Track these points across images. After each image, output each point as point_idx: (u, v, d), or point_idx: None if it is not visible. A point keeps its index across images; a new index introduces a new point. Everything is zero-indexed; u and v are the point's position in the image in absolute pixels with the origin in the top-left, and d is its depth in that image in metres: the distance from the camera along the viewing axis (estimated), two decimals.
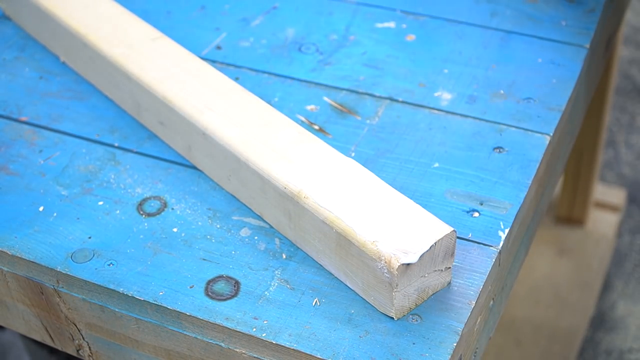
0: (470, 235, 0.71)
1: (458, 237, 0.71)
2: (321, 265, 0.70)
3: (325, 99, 0.86)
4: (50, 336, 0.78)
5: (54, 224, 0.75)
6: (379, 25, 0.95)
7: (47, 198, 0.77)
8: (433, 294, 0.67)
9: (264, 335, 0.65)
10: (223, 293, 0.68)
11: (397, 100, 0.85)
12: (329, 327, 0.65)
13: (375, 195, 0.68)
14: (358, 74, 0.88)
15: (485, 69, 0.88)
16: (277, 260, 0.71)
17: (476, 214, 0.73)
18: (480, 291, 0.67)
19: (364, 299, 0.67)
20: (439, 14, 0.96)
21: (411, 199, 0.72)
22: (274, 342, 0.65)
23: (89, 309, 0.72)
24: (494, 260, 0.69)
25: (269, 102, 0.85)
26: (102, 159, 0.81)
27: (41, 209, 0.76)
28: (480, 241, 0.71)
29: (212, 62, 0.91)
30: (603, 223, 1.61)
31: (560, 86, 0.85)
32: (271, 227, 0.74)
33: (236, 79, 0.88)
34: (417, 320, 0.66)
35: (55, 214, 0.76)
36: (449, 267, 0.67)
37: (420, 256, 0.63)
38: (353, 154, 0.79)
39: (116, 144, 0.83)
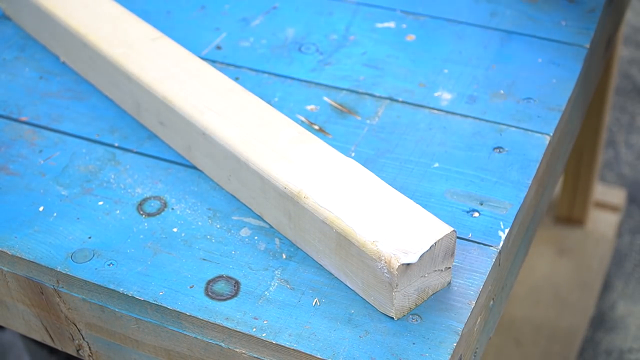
0: (470, 235, 0.71)
1: (458, 237, 0.71)
2: (321, 265, 0.70)
3: (325, 99, 0.86)
4: (50, 336, 0.78)
5: (54, 224, 0.75)
6: (379, 25, 0.95)
7: (47, 198, 0.77)
8: (433, 294, 0.67)
9: (264, 335, 0.65)
10: (223, 293, 0.68)
11: (397, 100, 0.85)
12: (329, 327, 0.65)
13: (375, 195, 0.68)
14: (358, 74, 0.88)
15: (485, 69, 0.88)
16: (277, 260, 0.71)
17: (476, 214, 0.73)
18: (480, 291, 0.67)
19: (364, 299, 0.67)
20: (439, 14, 0.96)
21: (411, 199, 0.72)
22: (274, 342, 0.65)
23: (89, 309, 0.72)
24: (494, 260, 0.69)
25: (269, 102, 0.85)
26: (102, 159, 0.81)
27: (41, 209, 0.76)
28: (480, 241, 0.71)
29: (212, 62, 0.91)
30: (603, 223, 1.61)
31: (560, 86, 0.85)
32: (271, 227, 0.74)
33: (236, 79, 0.88)
34: (417, 320, 0.66)
35: (55, 214, 0.76)
36: (449, 267, 0.67)
37: (420, 256, 0.63)
38: (353, 154, 0.79)
39: (116, 144, 0.83)
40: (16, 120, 0.87)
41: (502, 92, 0.85)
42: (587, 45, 0.90)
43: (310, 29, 0.95)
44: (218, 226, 0.74)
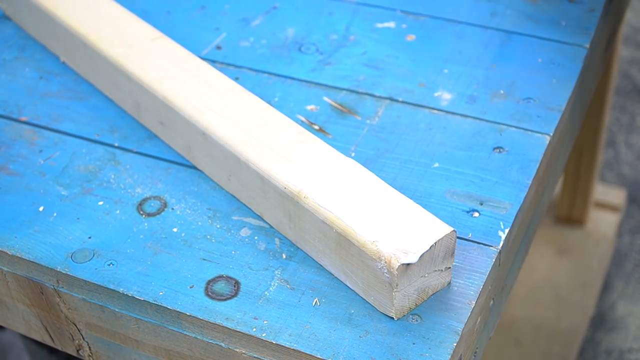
0: (470, 235, 0.71)
1: (458, 237, 0.71)
2: (321, 265, 0.70)
3: (325, 99, 0.86)
4: (50, 336, 0.78)
5: (54, 224, 0.75)
6: (379, 25, 0.95)
7: (47, 198, 0.77)
8: (433, 294, 0.67)
9: (264, 335, 0.65)
10: (223, 293, 0.68)
11: (397, 100, 0.85)
12: (329, 327, 0.65)
13: (375, 195, 0.68)
14: (358, 74, 0.88)
15: (485, 69, 0.88)
16: (277, 260, 0.71)
17: (476, 214, 0.73)
18: (480, 291, 0.67)
19: (364, 299, 0.67)
20: (439, 14, 0.96)
21: (411, 199, 0.72)
22: (274, 342, 0.65)
23: (89, 309, 0.72)
24: (494, 260, 0.69)
25: (269, 102, 0.85)
26: (102, 159, 0.81)
27: (41, 209, 0.76)
28: (480, 241, 0.71)
29: (212, 62, 0.91)
30: (603, 223, 1.61)
31: (560, 86, 0.85)
32: (271, 227, 0.74)
33: (236, 79, 0.88)
34: (417, 320, 0.66)
35: (55, 214, 0.76)
36: (449, 267, 0.67)
37: (420, 256, 0.63)
38: (353, 154, 0.79)
39: (116, 144, 0.83)
40: (16, 120, 0.87)
41: (502, 92, 0.85)
42: (587, 45, 0.90)
43: (310, 29, 0.95)
44: (218, 226, 0.74)
